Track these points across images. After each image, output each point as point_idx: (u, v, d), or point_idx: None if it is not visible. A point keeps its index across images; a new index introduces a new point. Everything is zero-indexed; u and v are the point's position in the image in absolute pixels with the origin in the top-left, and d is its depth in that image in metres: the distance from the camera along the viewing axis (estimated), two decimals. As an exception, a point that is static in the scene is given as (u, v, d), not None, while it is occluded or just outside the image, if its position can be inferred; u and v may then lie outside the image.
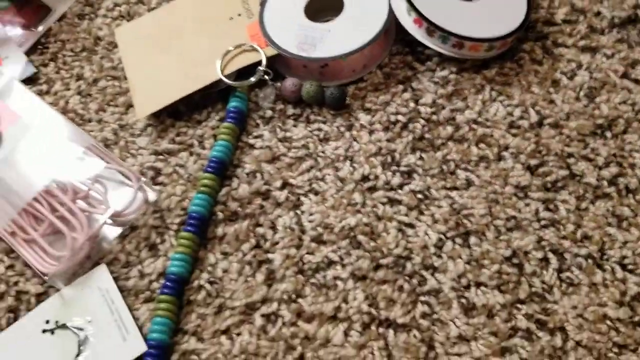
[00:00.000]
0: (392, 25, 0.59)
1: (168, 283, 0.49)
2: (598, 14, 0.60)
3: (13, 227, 0.53)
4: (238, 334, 0.48)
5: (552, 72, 0.57)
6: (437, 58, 0.58)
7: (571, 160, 0.52)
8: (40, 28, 0.70)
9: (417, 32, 0.56)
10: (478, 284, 0.48)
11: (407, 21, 0.56)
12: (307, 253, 0.51)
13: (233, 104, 0.58)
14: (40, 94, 0.63)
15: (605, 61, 0.57)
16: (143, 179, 0.54)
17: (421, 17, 0.54)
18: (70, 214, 0.53)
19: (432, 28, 0.54)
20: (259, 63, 0.58)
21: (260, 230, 0.52)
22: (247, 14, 0.62)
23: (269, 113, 0.58)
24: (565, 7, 0.61)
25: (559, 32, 0.59)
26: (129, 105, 0.61)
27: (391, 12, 0.57)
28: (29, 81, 0.65)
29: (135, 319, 0.49)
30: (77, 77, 0.65)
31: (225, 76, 0.58)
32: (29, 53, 0.68)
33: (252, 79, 0.58)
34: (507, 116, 0.55)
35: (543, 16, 0.60)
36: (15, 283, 0.53)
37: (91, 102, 0.63)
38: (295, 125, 0.57)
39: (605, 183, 0.51)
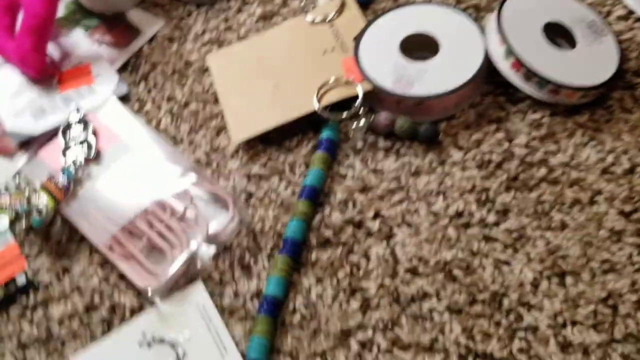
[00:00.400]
0: (484, 68, 0.60)
1: (266, 303, 0.50)
2: (685, 67, 0.61)
3: (112, 242, 0.54)
4: (334, 358, 0.49)
5: (642, 121, 0.58)
6: (529, 100, 0.59)
7: (664, 208, 0.53)
8: (130, 48, 0.72)
9: (514, 76, 0.57)
10: (574, 323, 0.48)
11: (504, 65, 0.58)
12: (402, 283, 0.51)
13: (326, 133, 0.59)
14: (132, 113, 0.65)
15: (695, 114, 0.58)
16: (241, 200, 0.56)
17: (520, 63, 0.56)
18: (170, 231, 0.54)
19: (530, 73, 0.56)
20: (355, 97, 0.60)
21: (354, 258, 0.53)
22: (341, 47, 0.64)
23: (360, 144, 0.60)
24: (652, 59, 0.62)
25: (647, 83, 0.61)
26: (220, 129, 0.63)
27: (486, 55, 0.59)
28: (121, 100, 0.67)
29: (231, 337, 0.50)
30: (168, 98, 0.67)
31: (321, 108, 0.59)
32: (118, 72, 0.70)
33: (352, 111, 0.59)
34: (599, 162, 0.56)
35: (632, 67, 0.61)
36: (110, 295, 0.54)
37: (182, 123, 0.64)
38: (386, 157, 0.59)
39: (698, 233, 0.52)
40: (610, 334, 0.48)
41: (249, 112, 0.62)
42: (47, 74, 0.69)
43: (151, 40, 0.73)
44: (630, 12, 0.65)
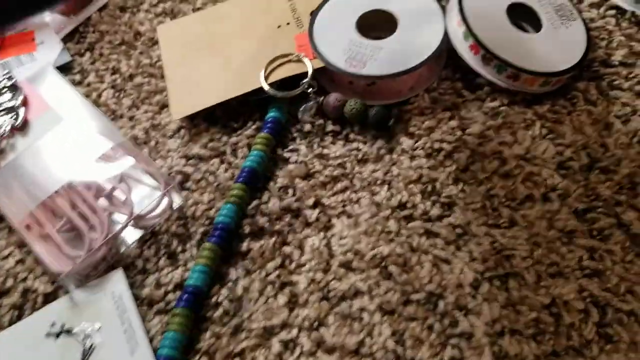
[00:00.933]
0: (444, 51, 0.56)
1: (185, 295, 0.47)
2: (658, 59, 0.57)
3: (30, 220, 0.51)
4: (253, 359, 0.45)
5: (606, 114, 0.54)
6: (488, 88, 0.55)
7: (620, 209, 0.49)
8: (80, 16, 0.68)
9: (472, 59, 0.54)
10: (513, 332, 0.45)
11: (463, 46, 0.54)
12: (334, 279, 0.48)
13: (272, 114, 0.55)
14: (72, 83, 0.61)
15: (664, 109, 0.54)
16: (173, 182, 0.52)
17: (479, 44, 0.52)
18: (92, 211, 0.50)
19: (489, 56, 0.52)
20: (304, 75, 0.56)
21: (287, 249, 0.50)
22: (296, 23, 0.60)
23: (307, 127, 0.56)
24: (623, 49, 0.58)
25: (615, 74, 0.56)
26: (164, 105, 0.59)
27: (446, 36, 0.55)
28: (62, 69, 0.63)
29: (147, 331, 0.47)
30: (113, 70, 0.63)
31: (268, 85, 0.56)
32: (65, 40, 0.66)
33: (297, 90, 0.55)
34: (557, 156, 0.52)
35: (600, 56, 0.57)
36: (24, 279, 0.50)
37: (124, 97, 0.61)
38: (333, 143, 0.55)
39: (655, 237, 0.48)
40: (550, 345, 0.44)
41: (193, 88, 0.58)
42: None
43: (102, 9, 0.69)
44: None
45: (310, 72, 0.55)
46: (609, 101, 0.55)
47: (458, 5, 0.54)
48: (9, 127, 0.55)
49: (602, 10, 0.60)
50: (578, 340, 0.44)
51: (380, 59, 0.54)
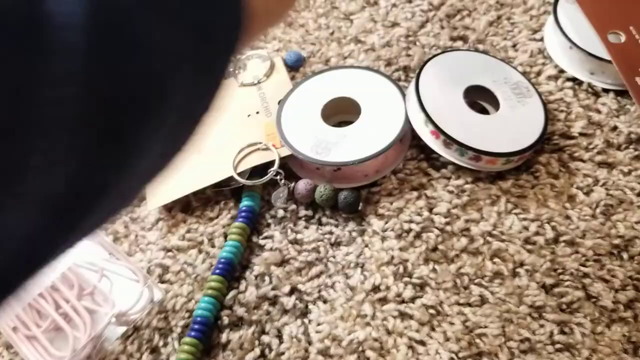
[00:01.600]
0: (408, 132, 0.59)
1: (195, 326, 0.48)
2: (615, 128, 0.60)
3: (16, 322, 0.52)
4: None
5: (568, 186, 0.56)
6: (452, 166, 0.58)
7: (587, 281, 0.51)
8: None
9: (434, 143, 0.56)
10: (489, 411, 0.46)
11: (424, 132, 0.56)
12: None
13: (245, 202, 0.57)
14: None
15: (622, 178, 0.56)
16: (150, 278, 0.54)
17: (438, 130, 0.54)
18: (74, 312, 0.52)
19: (449, 141, 0.54)
20: (273, 163, 0.58)
21: (265, 338, 0.51)
22: (265, 112, 0.62)
23: (280, 213, 0.58)
24: (581, 120, 0.60)
25: (575, 146, 0.59)
26: (142, 198, 0.61)
27: (407, 121, 0.57)
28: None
29: None
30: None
31: (239, 174, 0.58)
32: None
33: (264, 179, 0.57)
34: (523, 230, 0.54)
35: (559, 129, 0.60)
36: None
37: (104, 192, 0.62)
38: (306, 227, 0.57)
39: (621, 307, 0.50)
40: (527, 419, 0.45)
41: (168, 178, 0.60)
42: None
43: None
44: (561, 71, 0.64)
45: (277, 160, 0.58)
46: (571, 173, 0.57)
47: (415, 93, 0.56)
48: None
49: (559, 82, 0.63)
50: (552, 416, 0.45)
51: (344, 145, 0.57)
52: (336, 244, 0.55)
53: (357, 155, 0.56)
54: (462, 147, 0.54)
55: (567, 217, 0.54)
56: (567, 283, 0.51)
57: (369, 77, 0.62)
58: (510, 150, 0.55)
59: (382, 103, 0.59)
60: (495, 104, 0.59)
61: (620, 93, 0.61)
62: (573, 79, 0.63)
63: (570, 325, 0.49)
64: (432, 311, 0.51)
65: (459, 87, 0.58)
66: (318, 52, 0.69)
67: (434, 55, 0.61)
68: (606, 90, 0.62)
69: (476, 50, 0.65)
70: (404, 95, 0.59)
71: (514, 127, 0.57)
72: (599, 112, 0.61)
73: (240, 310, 0.52)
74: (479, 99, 0.60)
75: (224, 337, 0.51)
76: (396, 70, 0.65)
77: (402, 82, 0.64)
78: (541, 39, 0.67)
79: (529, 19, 0.69)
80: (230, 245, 0.55)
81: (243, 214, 0.57)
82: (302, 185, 0.57)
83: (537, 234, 0.54)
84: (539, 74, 0.64)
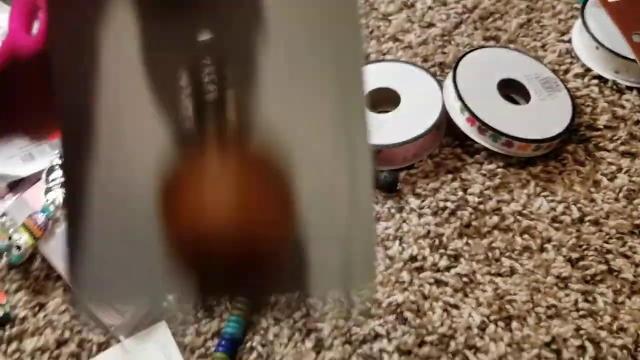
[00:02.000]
0: (444, 121, 0.63)
1: (222, 341, 0.52)
2: (638, 122, 0.64)
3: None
4: (285, 397, 0.51)
5: (594, 173, 0.61)
6: (485, 152, 0.62)
7: (610, 256, 0.55)
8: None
9: (469, 130, 0.61)
10: (518, 367, 0.50)
11: (460, 119, 0.61)
12: (355, 325, 0.53)
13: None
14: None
15: (644, 166, 0.61)
16: None
17: (474, 117, 0.59)
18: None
19: (484, 127, 0.59)
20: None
21: (311, 299, 0.55)
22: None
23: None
24: (606, 114, 0.65)
25: (600, 137, 0.63)
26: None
27: (444, 110, 0.62)
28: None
29: (190, 374, 0.52)
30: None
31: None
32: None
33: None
34: (551, 211, 0.58)
35: (586, 121, 0.64)
36: (79, 332, 0.56)
37: None
38: (349, 205, 0.61)
39: (642, 280, 0.54)
40: (553, 377, 0.50)
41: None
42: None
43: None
44: (588, 70, 0.68)
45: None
46: (596, 161, 0.62)
47: (453, 84, 0.61)
48: (61, 199, 0.62)
49: (586, 80, 0.68)
50: (576, 373, 0.49)
51: (385, 130, 0.62)
52: (376, 219, 0.60)
53: (396, 140, 0.61)
54: (496, 133, 0.59)
55: (592, 200, 0.59)
56: (591, 258, 0.55)
57: (407, 70, 0.67)
58: (541, 137, 0.59)
59: (420, 93, 0.64)
60: (526, 97, 0.64)
61: (643, 90, 0.66)
62: (599, 77, 0.68)
63: (594, 295, 0.53)
64: (465, 279, 0.55)
65: (493, 79, 0.63)
66: (360, 48, 0.74)
67: (471, 50, 0.66)
68: (630, 88, 0.66)
69: (509, 47, 0.70)
70: (440, 86, 0.64)
71: (544, 117, 0.61)
72: (623, 107, 0.65)
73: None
74: (511, 92, 0.64)
75: (272, 297, 0.56)
76: (432, 66, 0.70)
77: (438, 77, 0.69)
78: (569, 41, 0.71)
79: (557, 22, 0.74)
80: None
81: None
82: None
83: (563, 214, 0.58)
84: (566, 72, 0.69)
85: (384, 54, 0.73)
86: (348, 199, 0.23)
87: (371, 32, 0.75)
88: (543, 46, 0.72)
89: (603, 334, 0.51)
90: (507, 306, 0.53)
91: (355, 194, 0.23)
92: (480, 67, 0.64)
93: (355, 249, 0.23)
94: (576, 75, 0.68)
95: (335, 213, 0.23)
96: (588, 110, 0.66)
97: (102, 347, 0.55)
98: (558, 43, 0.71)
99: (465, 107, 0.60)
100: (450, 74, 0.63)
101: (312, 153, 0.23)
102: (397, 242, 0.58)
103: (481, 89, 0.62)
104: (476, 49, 0.67)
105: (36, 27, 0.72)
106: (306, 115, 0.23)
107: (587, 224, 0.57)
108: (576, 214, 0.58)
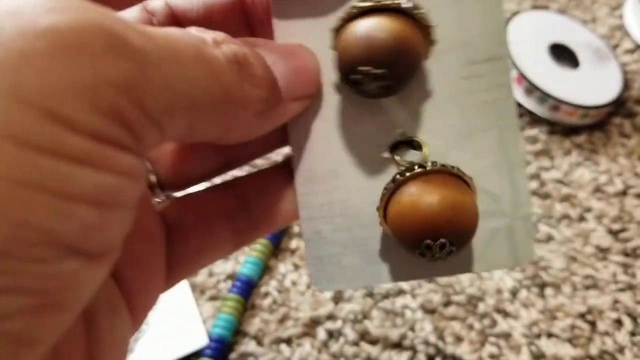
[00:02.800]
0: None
1: (238, 283, 0.49)
2: (689, 102, 0.61)
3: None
4: (299, 345, 0.47)
5: (639, 147, 0.57)
6: (528, 117, 0.59)
7: (654, 233, 0.52)
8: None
9: (516, 90, 0.57)
10: (549, 335, 0.47)
11: (506, 77, 0.58)
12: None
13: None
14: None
15: (695, 145, 0.57)
16: None
17: (522, 77, 0.56)
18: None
19: (532, 87, 0.56)
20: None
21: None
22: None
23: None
24: (656, 91, 0.62)
25: (648, 113, 0.60)
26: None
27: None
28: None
29: (199, 314, 0.49)
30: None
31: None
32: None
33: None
34: (592, 181, 0.55)
35: (634, 96, 0.61)
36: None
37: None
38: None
39: (687, 259, 0.50)
40: (586, 349, 0.46)
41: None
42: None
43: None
44: (638, 46, 0.65)
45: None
46: (642, 137, 0.58)
47: (503, 40, 0.58)
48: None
49: (635, 55, 0.64)
50: (612, 345, 0.46)
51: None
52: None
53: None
54: (544, 95, 0.56)
55: (636, 174, 0.56)
56: (632, 231, 0.52)
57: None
58: (589, 104, 0.56)
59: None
60: (576, 65, 0.60)
61: (697, 70, 0.63)
62: (650, 55, 0.65)
63: (634, 269, 0.50)
64: (498, 242, 0.52)
65: (544, 41, 0.60)
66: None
67: (523, 11, 0.62)
68: (683, 66, 0.63)
69: (562, 13, 0.67)
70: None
71: (593, 85, 0.58)
72: (674, 85, 0.62)
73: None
74: (560, 58, 0.61)
75: (293, 243, 0.53)
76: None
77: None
78: (619, 17, 0.68)
79: (609, -2, 0.70)
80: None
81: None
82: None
83: (606, 185, 0.55)
84: (616, 47, 0.66)
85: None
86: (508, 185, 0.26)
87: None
88: (593, 20, 0.68)
89: (643, 309, 0.48)
90: (542, 272, 0.50)
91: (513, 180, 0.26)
92: (530, 29, 0.61)
93: (517, 228, 0.26)
94: (626, 51, 0.65)
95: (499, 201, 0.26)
96: (636, 85, 0.62)
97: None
98: (609, 18, 0.68)
99: (514, 65, 0.57)
100: (499, 32, 0.60)
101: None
102: (428, 199, 0.55)
103: (531, 50, 0.59)
104: (528, 10, 0.64)
105: None
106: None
107: (631, 197, 0.54)
108: (619, 186, 0.55)
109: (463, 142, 0.25)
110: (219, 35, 0.19)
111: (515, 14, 0.62)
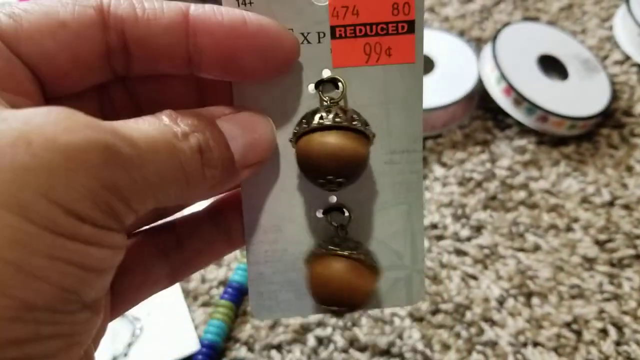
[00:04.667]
0: (477, 93, 0.61)
1: (229, 289, 0.50)
2: (676, 114, 0.62)
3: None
4: (289, 351, 0.48)
5: (627, 158, 0.58)
6: (517, 127, 0.60)
7: (639, 242, 0.53)
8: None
9: (504, 101, 0.58)
10: (535, 344, 0.48)
11: (496, 90, 0.59)
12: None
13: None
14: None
15: (681, 157, 0.58)
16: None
17: (511, 88, 0.57)
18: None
19: (521, 99, 0.57)
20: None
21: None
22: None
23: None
24: (644, 102, 0.63)
25: (636, 124, 0.61)
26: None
27: (479, 81, 0.60)
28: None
29: (192, 320, 0.50)
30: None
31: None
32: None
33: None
34: (580, 191, 0.56)
35: (623, 107, 0.62)
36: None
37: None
38: (370, 168, 0.59)
39: (672, 270, 0.51)
40: (571, 358, 0.47)
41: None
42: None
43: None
44: (627, 58, 0.66)
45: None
46: (630, 147, 0.59)
47: (492, 53, 0.59)
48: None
49: (625, 67, 0.65)
50: (597, 355, 0.47)
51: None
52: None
53: (425, 105, 0.59)
54: (532, 106, 0.57)
55: (624, 185, 0.56)
56: (619, 241, 0.53)
57: (443, 37, 0.65)
58: (577, 115, 0.57)
59: (454, 61, 0.62)
60: (564, 76, 0.61)
61: (685, 82, 0.64)
62: (638, 65, 0.65)
63: (620, 279, 0.51)
64: (486, 251, 0.53)
65: (532, 53, 0.61)
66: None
67: (513, 22, 0.63)
68: (671, 78, 0.64)
69: (551, 25, 0.68)
70: (476, 57, 0.62)
71: (581, 96, 0.59)
72: (662, 96, 0.63)
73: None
74: (549, 69, 0.62)
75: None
76: (468, 40, 0.68)
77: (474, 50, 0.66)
78: (609, 28, 0.69)
79: (599, 9, 0.71)
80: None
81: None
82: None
83: (593, 195, 0.56)
84: (605, 58, 0.67)
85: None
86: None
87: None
88: (583, 31, 0.69)
89: (627, 319, 0.49)
90: (528, 282, 0.51)
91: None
92: (520, 41, 0.62)
93: (414, 278, 0.32)
94: (615, 62, 0.66)
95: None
96: (625, 97, 0.63)
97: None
98: (599, 29, 0.69)
99: (503, 76, 0.58)
100: (490, 44, 0.61)
101: None
102: (418, 208, 0.56)
103: (520, 61, 0.60)
104: (518, 22, 0.65)
105: None
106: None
107: (617, 207, 0.55)
108: (607, 197, 0.56)
109: (380, 212, 0.30)
110: (188, 125, 0.23)
111: (505, 25, 0.63)
